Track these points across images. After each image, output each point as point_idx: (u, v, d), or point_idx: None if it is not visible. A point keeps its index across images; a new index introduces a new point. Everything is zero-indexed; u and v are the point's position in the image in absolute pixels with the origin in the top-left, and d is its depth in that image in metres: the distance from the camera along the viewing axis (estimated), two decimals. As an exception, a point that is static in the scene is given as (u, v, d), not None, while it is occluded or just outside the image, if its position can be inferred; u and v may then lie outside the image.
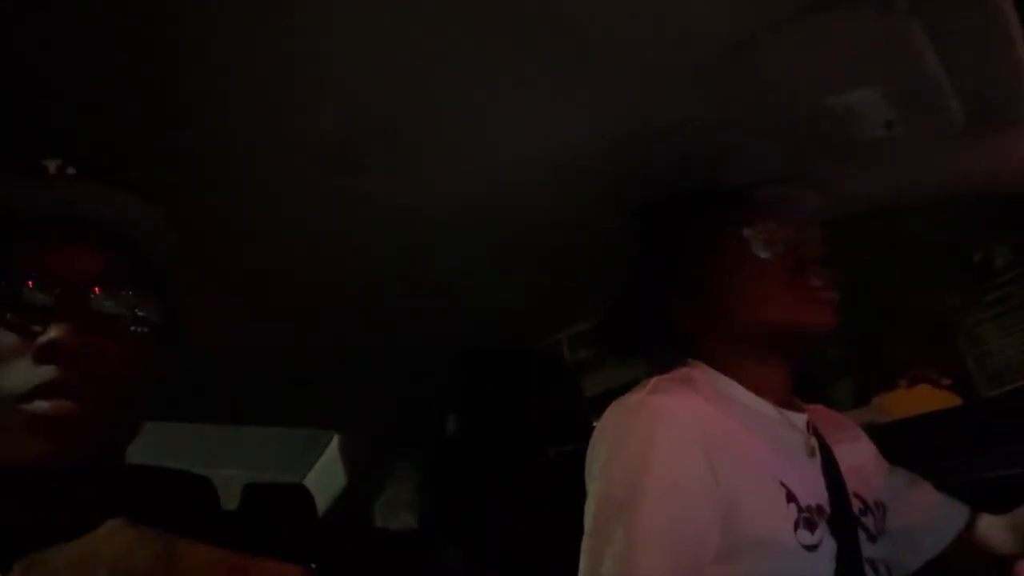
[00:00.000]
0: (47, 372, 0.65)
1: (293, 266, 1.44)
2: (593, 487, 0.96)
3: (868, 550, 1.00)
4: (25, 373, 0.65)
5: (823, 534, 0.95)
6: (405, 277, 1.51)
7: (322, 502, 2.03)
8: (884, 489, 1.11)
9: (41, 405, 0.64)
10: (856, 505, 1.03)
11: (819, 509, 0.97)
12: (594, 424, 1.05)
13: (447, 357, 1.70)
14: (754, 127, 1.13)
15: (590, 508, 0.95)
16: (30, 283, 0.67)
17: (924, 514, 1.12)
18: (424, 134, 1.13)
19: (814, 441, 1.05)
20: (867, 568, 0.98)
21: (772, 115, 1.10)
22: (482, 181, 1.26)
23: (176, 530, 0.66)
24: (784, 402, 1.07)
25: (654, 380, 1.03)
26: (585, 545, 0.93)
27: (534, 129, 1.14)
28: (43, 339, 0.65)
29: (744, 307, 1.06)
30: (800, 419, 1.07)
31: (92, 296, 0.69)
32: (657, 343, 1.19)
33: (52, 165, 0.72)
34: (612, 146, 1.19)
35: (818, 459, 1.03)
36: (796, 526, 0.93)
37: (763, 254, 1.06)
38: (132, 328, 0.71)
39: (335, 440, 2.13)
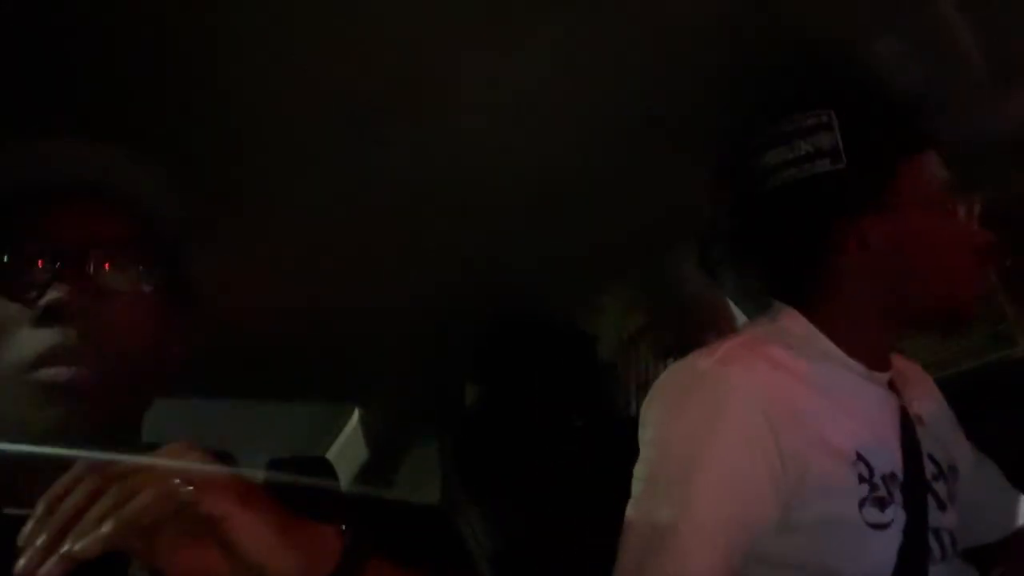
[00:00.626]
0: (51, 336, 0.65)
1: (313, 237, 1.43)
2: (646, 453, 0.91)
3: (936, 519, 0.93)
4: (29, 340, 0.65)
5: (895, 511, 0.89)
6: (425, 247, 1.51)
7: (344, 476, 2.04)
8: (957, 452, 1.05)
9: (48, 372, 0.64)
10: (929, 469, 0.97)
11: (892, 477, 0.91)
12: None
13: (467, 328, 1.70)
14: (778, 82, 1.10)
15: (640, 473, 0.90)
16: (28, 250, 0.67)
17: (992, 491, 1.09)
18: (446, 99, 1.11)
19: (896, 401, 0.99)
20: (931, 539, 0.92)
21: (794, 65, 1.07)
22: (510, 139, 1.24)
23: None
24: (876, 362, 0.99)
25: (726, 345, 0.95)
26: (631, 514, 0.88)
27: (559, 81, 1.11)
28: (43, 301, 0.65)
29: (932, 265, 0.95)
30: (885, 377, 0.99)
31: (92, 260, 0.69)
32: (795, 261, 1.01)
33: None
34: (637, 100, 1.16)
35: (898, 421, 0.97)
36: (862, 505, 0.87)
37: (964, 216, 0.98)
38: (136, 291, 0.71)
39: (356, 414, 2.14)
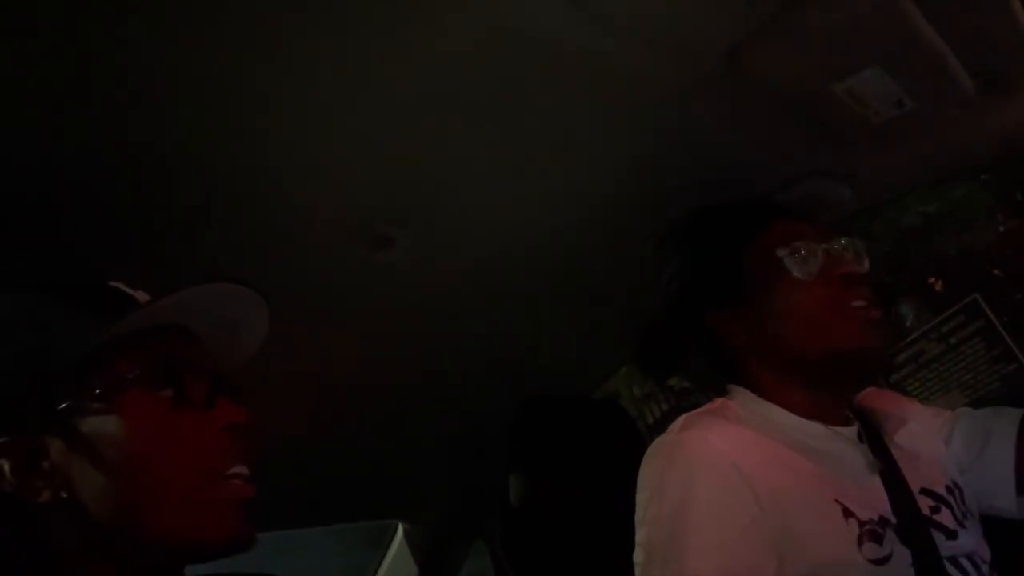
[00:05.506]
0: (237, 450, 0.70)
1: (331, 353, 1.43)
2: (639, 535, 0.94)
3: (948, 548, 0.94)
4: (221, 450, 0.69)
5: (892, 544, 0.91)
6: (445, 345, 1.51)
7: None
8: (953, 467, 1.07)
9: (239, 484, 0.69)
10: (926, 504, 0.98)
11: (883, 521, 0.93)
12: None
13: (500, 422, 1.68)
14: (770, 128, 1.13)
15: (637, 557, 0.93)
16: (189, 375, 0.71)
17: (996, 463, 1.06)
18: (448, 200, 1.15)
19: (869, 452, 1.01)
20: (950, 568, 0.93)
21: (782, 112, 1.11)
22: (511, 237, 1.27)
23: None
24: (835, 419, 1.03)
25: (684, 416, 1.02)
26: None
27: (557, 175, 1.16)
28: (230, 421, 0.70)
29: (787, 331, 1.02)
30: (851, 432, 1.03)
31: (226, 383, 0.74)
32: (702, 362, 1.16)
33: (139, 295, 0.75)
34: (634, 178, 1.20)
35: (877, 471, 0.99)
36: (860, 541, 0.89)
37: (800, 274, 1.02)
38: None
39: (400, 529, 2.08)
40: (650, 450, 1.00)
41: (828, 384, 1.04)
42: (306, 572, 2.05)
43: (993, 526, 1.05)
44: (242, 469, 0.70)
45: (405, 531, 2.07)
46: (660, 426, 2.54)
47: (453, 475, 1.93)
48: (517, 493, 1.56)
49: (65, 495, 0.65)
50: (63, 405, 0.66)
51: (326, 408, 1.57)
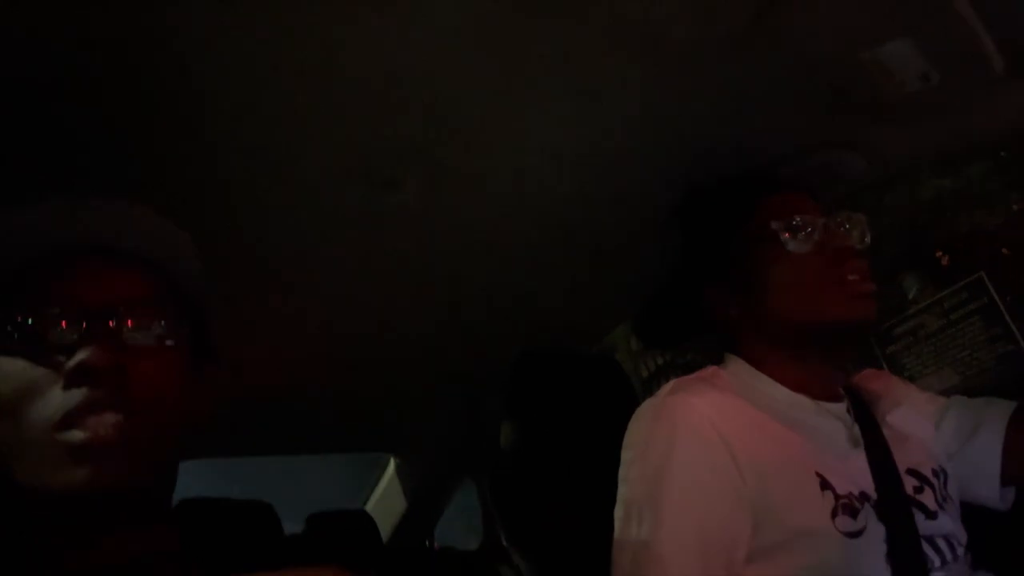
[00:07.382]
0: (79, 395, 0.63)
1: (334, 290, 1.44)
2: (621, 491, 0.98)
3: (927, 528, 0.97)
4: (58, 400, 0.63)
5: (867, 519, 0.93)
6: (447, 290, 1.52)
7: (385, 527, 2.02)
8: (941, 451, 1.09)
9: (77, 432, 0.62)
10: (911, 484, 1.01)
11: (862, 496, 0.95)
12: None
13: (497, 367, 1.69)
14: (790, 94, 1.11)
15: (617, 512, 0.96)
16: (56, 313, 0.66)
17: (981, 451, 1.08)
18: (458, 145, 1.14)
19: (856, 429, 1.03)
20: (927, 547, 0.95)
21: (806, 79, 1.08)
22: (519, 186, 1.27)
23: (238, 556, 0.66)
24: (824, 394, 1.05)
25: (674, 380, 1.05)
26: (617, 534, 0.95)
27: (568, 127, 1.15)
28: (71, 363, 0.64)
29: (780, 303, 1.04)
30: (840, 408, 1.05)
31: (118, 319, 0.68)
32: (698, 334, 1.19)
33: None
34: (646, 135, 1.18)
35: (862, 447, 1.01)
36: (834, 513, 0.92)
37: (795, 248, 1.03)
38: (159, 347, 0.69)
39: (392, 463, 2.12)
40: (638, 411, 1.02)
41: (816, 355, 1.05)
42: (298, 498, 2.10)
43: (972, 513, 1.06)
44: (92, 419, 0.63)
45: (396, 465, 2.11)
46: (655, 379, 2.59)
47: (447, 416, 1.96)
48: (508, 439, 1.58)
49: None
50: None
51: (326, 344, 1.59)
